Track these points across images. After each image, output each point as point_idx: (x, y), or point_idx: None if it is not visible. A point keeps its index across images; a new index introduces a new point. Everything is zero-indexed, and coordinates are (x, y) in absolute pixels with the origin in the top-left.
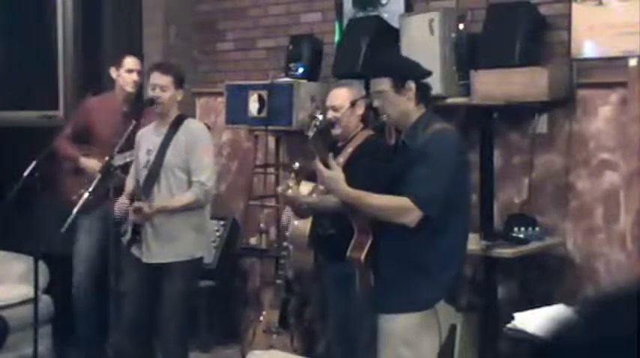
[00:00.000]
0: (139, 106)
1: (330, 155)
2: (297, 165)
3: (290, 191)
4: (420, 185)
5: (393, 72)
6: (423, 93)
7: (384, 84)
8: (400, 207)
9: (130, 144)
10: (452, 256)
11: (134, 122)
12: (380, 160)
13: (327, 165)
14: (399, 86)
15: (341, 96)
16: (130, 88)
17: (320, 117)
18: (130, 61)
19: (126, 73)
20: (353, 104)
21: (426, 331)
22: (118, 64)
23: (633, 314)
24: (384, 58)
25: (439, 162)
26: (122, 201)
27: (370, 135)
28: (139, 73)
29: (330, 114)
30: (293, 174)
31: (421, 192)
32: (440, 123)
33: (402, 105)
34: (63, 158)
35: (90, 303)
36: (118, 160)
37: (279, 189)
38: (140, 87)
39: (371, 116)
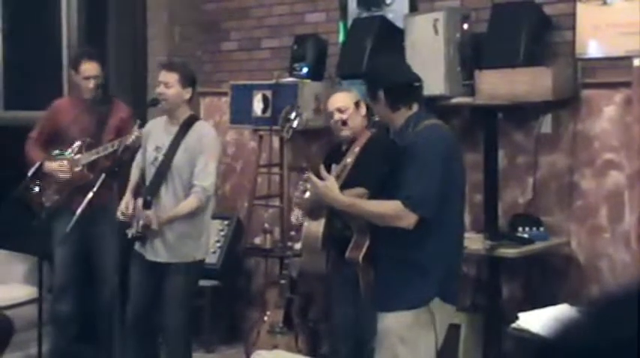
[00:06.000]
0: (107, 106)
1: (322, 166)
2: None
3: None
4: (410, 187)
5: (366, 82)
6: (396, 99)
7: (364, 90)
8: (394, 212)
9: (98, 141)
10: (445, 253)
11: (138, 122)
12: (386, 157)
13: (319, 176)
14: (372, 95)
15: (344, 98)
16: (88, 95)
17: (295, 119)
18: (86, 68)
19: (84, 80)
20: (357, 105)
21: (421, 329)
22: (75, 69)
23: (637, 314)
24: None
25: (428, 158)
26: (127, 200)
27: (374, 133)
28: (97, 77)
29: (337, 116)
30: (307, 175)
31: (412, 194)
32: (430, 119)
33: (380, 111)
34: (28, 162)
35: (70, 311)
36: (86, 158)
37: (296, 194)
38: (104, 87)
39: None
